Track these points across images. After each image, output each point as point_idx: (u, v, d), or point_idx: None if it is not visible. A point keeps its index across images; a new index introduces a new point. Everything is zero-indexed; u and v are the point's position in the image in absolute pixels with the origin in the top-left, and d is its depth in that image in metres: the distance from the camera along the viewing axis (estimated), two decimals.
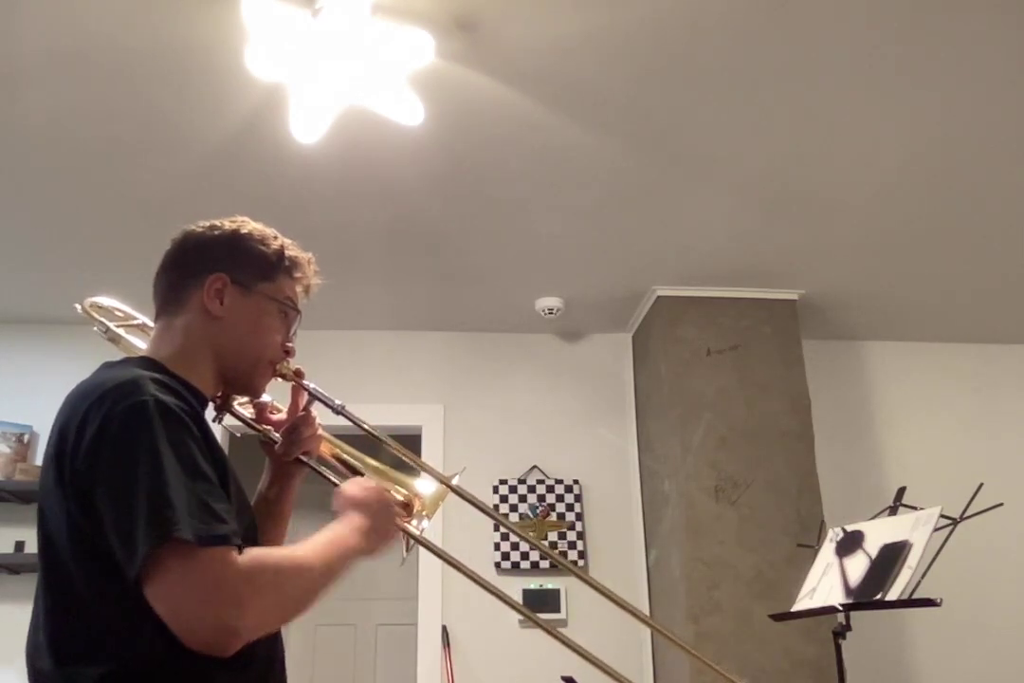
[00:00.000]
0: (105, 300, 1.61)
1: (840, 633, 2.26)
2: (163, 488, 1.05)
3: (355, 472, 1.46)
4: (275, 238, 1.41)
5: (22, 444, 3.80)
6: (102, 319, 1.56)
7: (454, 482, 1.46)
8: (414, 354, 4.22)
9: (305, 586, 1.16)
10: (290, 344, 1.39)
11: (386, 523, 1.31)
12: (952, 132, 2.83)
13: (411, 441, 4.06)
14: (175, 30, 2.32)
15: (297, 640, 4.49)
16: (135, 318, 1.54)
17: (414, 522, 1.39)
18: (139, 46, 2.38)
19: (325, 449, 1.48)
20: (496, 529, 3.86)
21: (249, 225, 1.42)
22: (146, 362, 1.27)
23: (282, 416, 1.45)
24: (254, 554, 1.10)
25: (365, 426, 1.46)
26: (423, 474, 1.46)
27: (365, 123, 2.59)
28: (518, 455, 4.05)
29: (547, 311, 3.99)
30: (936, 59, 2.49)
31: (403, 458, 1.48)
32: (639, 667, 3.76)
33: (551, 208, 3.26)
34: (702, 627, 3.36)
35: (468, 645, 3.70)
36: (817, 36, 2.41)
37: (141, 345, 1.47)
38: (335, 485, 1.38)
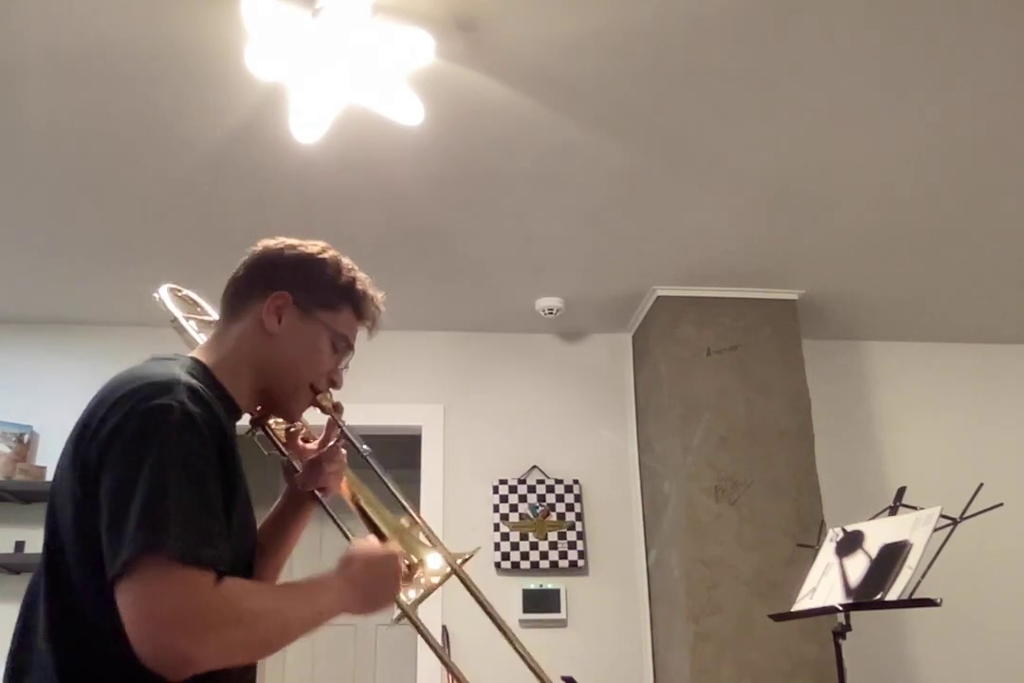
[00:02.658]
0: (186, 291, 1.61)
1: (840, 633, 2.26)
2: (163, 498, 1.04)
3: (369, 522, 1.41)
4: (350, 270, 1.41)
5: (22, 444, 3.79)
6: (174, 308, 1.55)
7: (461, 563, 1.40)
8: (414, 354, 4.21)
9: (276, 629, 1.13)
10: (336, 377, 1.38)
11: (384, 592, 1.27)
12: (952, 132, 2.83)
13: (411, 441, 4.06)
14: (175, 30, 2.32)
15: (297, 640, 4.48)
16: (209, 314, 1.53)
17: (410, 592, 1.35)
18: (139, 46, 2.38)
19: (347, 493, 1.45)
20: (496, 529, 3.86)
21: (329, 252, 1.41)
22: (193, 363, 1.25)
23: (312, 446, 1.44)
24: (233, 586, 1.08)
25: (384, 477, 1.43)
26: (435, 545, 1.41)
27: (365, 123, 2.59)
28: (518, 455, 4.05)
29: (547, 311, 3.99)
30: (937, 59, 2.49)
31: (416, 520, 1.42)
32: (639, 667, 3.76)
33: (551, 208, 3.26)
34: (702, 627, 3.36)
35: (468, 645, 3.70)
36: (817, 36, 2.41)
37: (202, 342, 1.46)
38: (341, 530, 1.36)
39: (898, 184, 3.12)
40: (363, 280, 1.42)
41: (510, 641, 1.38)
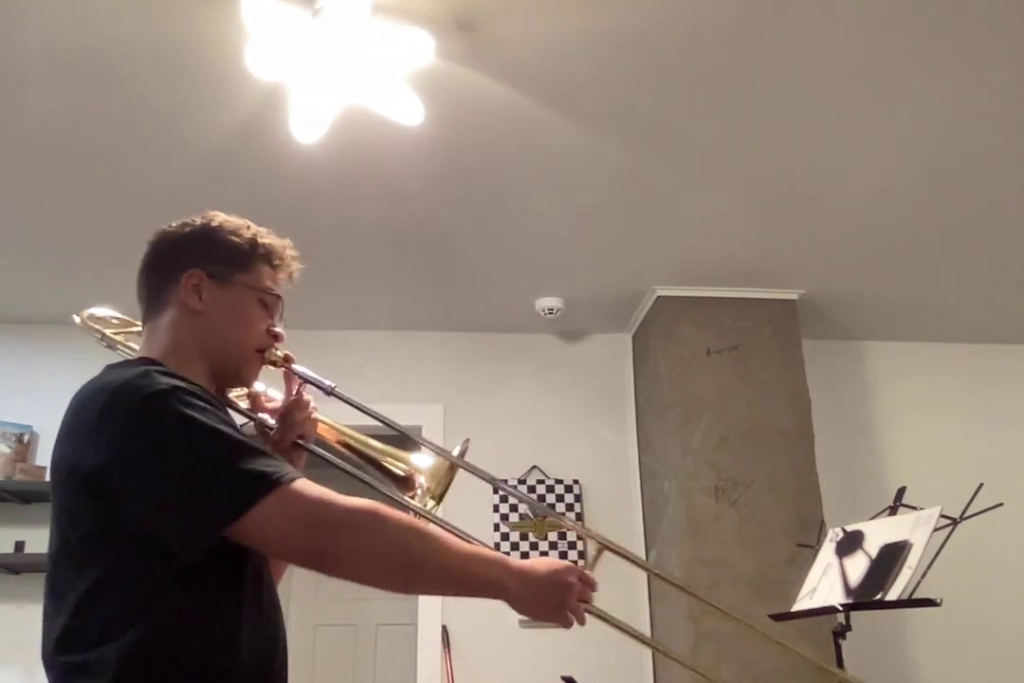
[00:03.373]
0: (101, 310, 1.62)
1: (840, 633, 2.26)
2: (222, 451, 1.12)
3: (358, 454, 1.46)
4: (247, 228, 1.41)
5: (22, 444, 3.79)
6: (99, 327, 1.58)
7: (455, 452, 1.47)
8: (414, 354, 4.21)
9: (417, 547, 1.15)
10: (277, 330, 1.39)
11: (557, 596, 1.24)
12: (952, 132, 2.83)
13: (411, 441, 4.06)
14: (175, 30, 2.32)
15: (297, 640, 4.49)
16: (133, 325, 1.55)
17: (419, 499, 1.41)
18: (139, 46, 2.38)
19: (327, 434, 1.49)
20: (496, 529, 3.86)
21: (220, 218, 1.41)
22: (145, 361, 1.28)
23: (277, 403, 1.46)
24: (374, 504, 1.15)
25: (358, 405, 1.46)
26: (422, 450, 1.48)
27: (365, 123, 2.58)
28: (518, 455, 4.05)
29: (547, 311, 3.99)
30: (938, 59, 2.49)
31: (402, 434, 1.50)
32: (639, 667, 3.76)
33: (551, 208, 3.26)
34: (702, 627, 3.36)
35: (468, 645, 3.70)
36: (817, 36, 2.41)
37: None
38: (338, 467, 1.39)
39: (898, 184, 3.12)
40: (264, 234, 1.42)
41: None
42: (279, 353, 1.41)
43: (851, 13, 2.32)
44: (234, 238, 1.38)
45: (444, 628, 3.70)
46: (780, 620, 2.52)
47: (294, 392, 1.44)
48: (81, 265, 3.58)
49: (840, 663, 2.29)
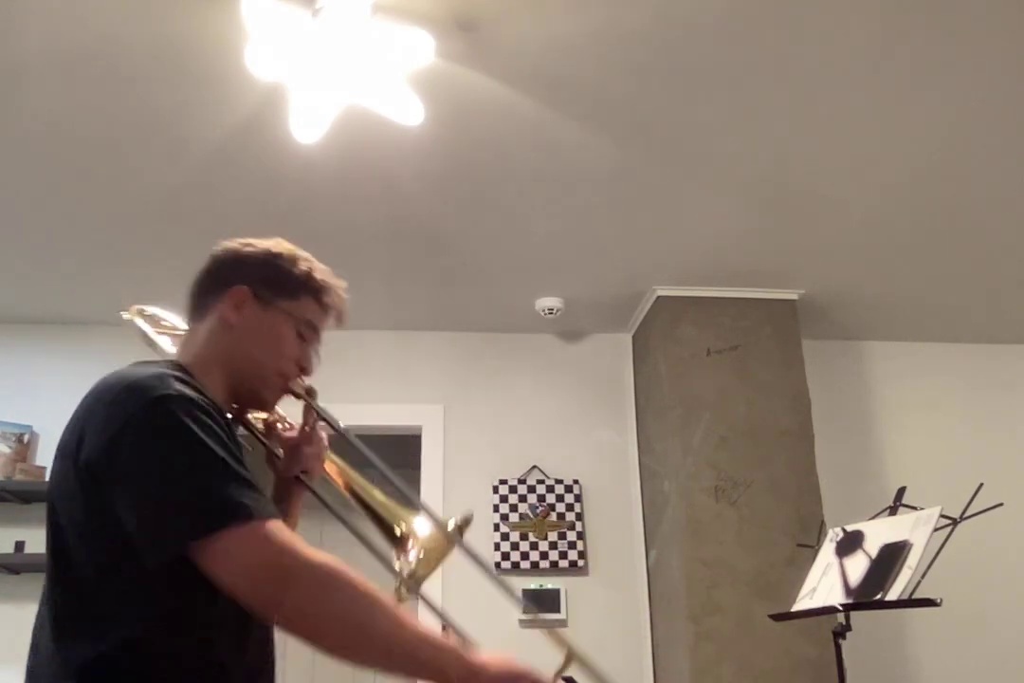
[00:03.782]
0: (152, 308, 1.65)
1: (840, 633, 2.26)
2: (207, 471, 1.10)
3: (361, 501, 1.44)
4: (307, 260, 1.43)
5: (22, 444, 3.79)
6: (143, 325, 1.60)
7: (452, 525, 1.42)
8: (414, 354, 4.21)
9: (362, 615, 1.10)
10: (306, 363, 1.40)
11: None
12: (953, 132, 2.83)
13: (411, 441, 4.06)
14: (175, 30, 2.32)
15: (296, 643, 4.48)
16: (178, 328, 1.57)
17: (403, 557, 1.37)
18: (139, 46, 2.38)
19: (334, 474, 1.48)
20: (496, 529, 3.86)
21: (283, 245, 1.43)
22: (172, 365, 1.29)
23: (292, 434, 1.46)
24: (333, 559, 1.11)
25: (367, 453, 1.43)
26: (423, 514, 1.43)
27: (365, 123, 2.59)
28: (518, 455, 4.05)
29: (547, 311, 3.99)
30: (939, 58, 2.49)
31: (405, 494, 1.44)
32: (639, 667, 3.76)
33: (551, 208, 3.26)
34: (702, 627, 3.36)
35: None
36: (817, 36, 2.41)
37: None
38: (332, 512, 1.37)
39: (898, 184, 3.12)
40: (321, 270, 1.43)
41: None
42: (303, 385, 1.41)
43: (852, 13, 2.32)
44: (290, 266, 1.40)
45: (444, 628, 3.69)
46: (780, 620, 2.53)
47: (308, 426, 1.45)
48: (81, 265, 3.58)
49: (840, 663, 2.28)
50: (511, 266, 3.69)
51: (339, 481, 1.48)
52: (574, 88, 2.60)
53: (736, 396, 3.72)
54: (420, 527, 1.40)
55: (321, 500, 1.41)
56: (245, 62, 2.27)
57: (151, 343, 1.57)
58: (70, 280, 3.70)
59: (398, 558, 1.37)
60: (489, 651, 1.19)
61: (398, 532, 1.39)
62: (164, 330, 1.59)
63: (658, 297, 3.88)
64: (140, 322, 1.60)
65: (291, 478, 1.44)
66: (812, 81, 2.59)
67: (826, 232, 3.44)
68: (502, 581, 1.52)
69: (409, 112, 2.43)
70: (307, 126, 2.45)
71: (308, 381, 1.43)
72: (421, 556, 1.38)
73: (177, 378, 1.18)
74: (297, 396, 1.42)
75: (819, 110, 2.72)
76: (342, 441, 1.46)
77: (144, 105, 2.63)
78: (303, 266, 1.40)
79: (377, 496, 1.44)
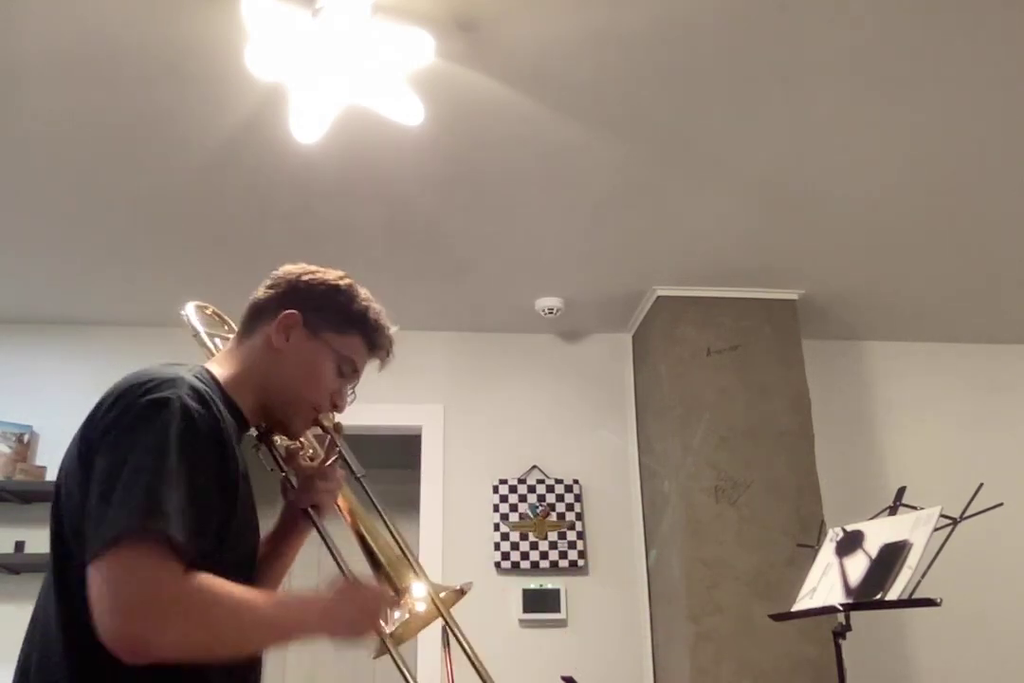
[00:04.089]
0: (211, 307, 1.67)
1: (840, 633, 2.25)
2: (150, 483, 1.07)
3: (366, 548, 1.44)
4: (364, 300, 1.44)
5: (22, 444, 3.79)
6: (198, 324, 1.61)
7: (443, 594, 1.44)
8: (414, 354, 4.21)
9: (237, 630, 1.13)
10: (339, 400, 1.41)
11: (365, 619, 1.27)
12: (952, 132, 2.83)
13: (411, 441, 4.06)
14: (175, 30, 2.32)
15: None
16: (230, 332, 1.57)
17: (391, 615, 1.37)
18: (139, 46, 2.38)
19: (347, 515, 1.48)
20: (496, 529, 3.86)
21: (346, 280, 1.45)
22: (202, 371, 1.30)
23: (311, 465, 1.46)
24: (204, 581, 1.09)
25: (376, 503, 1.46)
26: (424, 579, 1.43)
27: (365, 123, 2.59)
28: (518, 455, 4.05)
29: (547, 311, 3.99)
30: (938, 59, 2.49)
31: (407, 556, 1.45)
32: (639, 667, 3.76)
33: (551, 208, 3.26)
34: (702, 627, 3.36)
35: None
36: (817, 36, 2.41)
37: None
38: (332, 553, 1.37)
39: (898, 184, 3.12)
40: (377, 311, 1.44)
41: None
42: (332, 419, 1.42)
43: (852, 13, 2.32)
44: (347, 301, 1.41)
45: (444, 628, 3.69)
46: (780, 620, 2.52)
47: (328, 462, 1.45)
48: (81, 266, 3.58)
49: (840, 663, 2.28)
50: (511, 266, 3.69)
51: (348, 520, 1.48)
52: (574, 88, 2.60)
53: (736, 396, 3.72)
54: (416, 590, 1.40)
55: (324, 540, 1.38)
56: (245, 62, 2.27)
57: (200, 342, 1.57)
58: (70, 280, 3.70)
59: (387, 612, 1.36)
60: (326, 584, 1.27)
61: (395, 589, 1.38)
62: (219, 334, 1.60)
63: (658, 297, 3.88)
64: (195, 318, 1.61)
65: (300, 511, 1.43)
66: (812, 81, 2.59)
67: (826, 232, 3.44)
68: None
69: (409, 112, 2.43)
70: (307, 126, 2.45)
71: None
72: (407, 617, 1.38)
73: (193, 387, 1.18)
74: (324, 430, 1.43)
75: (819, 110, 2.72)
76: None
77: (144, 105, 2.63)
78: (361, 304, 1.42)
79: (382, 545, 1.44)
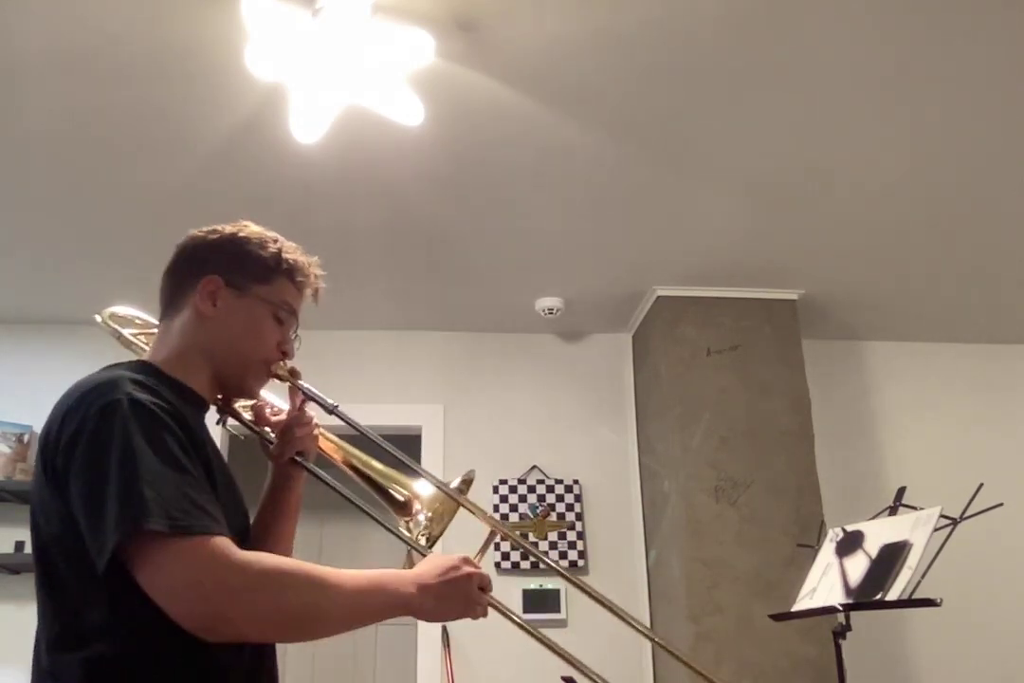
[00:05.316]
0: (123, 309, 1.64)
1: (840, 633, 2.26)
2: (134, 482, 1.06)
3: (359, 473, 1.45)
4: (275, 241, 1.41)
5: (22, 444, 3.79)
6: (116, 326, 1.58)
7: (456, 483, 1.44)
8: (414, 354, 4.21)
9: (314, 600, 1.12)
10: (287, 347, 1.38)
11: (458, 591, 1.24)
12: (952, 133, 2.83)
13: (411, 441, 4.06)
14: (175, 30, 2.32)
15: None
16: (154, 325, 1.55)
17: (412, 521, 1.39)
18: (139, 46, 2.38)
19: (330, 451, 1.48)
20: None
21: (249, 229, 1.42)
22: (138, 365, 1.29)
23: (281, 417, 1.45)
24: (257, 553, 1.11)
25: (359, 427, 1.45)
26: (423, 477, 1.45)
27: (365, 123, 2.59)
28: (518, 455, 4.05)
29: (547, 311, 3.99)
30: (938, 60, 2.49)
31: (401, 460, 1.47)
32: (639, 667, 3.76)
33: (551, 208, 3.26)
34: (702, 627, 3.36)
35: (468, 645, 3.70)
36: (817, 37, 2.41)
37: None
38: (333, 489, 1.37)
39: (899, 184, 3.12)
40: (291, 249, 1.41)
41: None
42: (286, 367, 1.40)
43: (851, 13, 2.32)
44: (259, 250, 1.38)
45: (444, 628, 3.70)
46: (780, 620, 2.53)
47: (296, 407, 1.43)
48: (81, 265, 3.58)
49: (840, 663, 2.28)
50: (511, 266, 3.69)
51: (336, 457, 1.48)
52: (574, 88, 2.60)
53: (736, 396, 3.72)
54: (423, 489, 1.41)
55: (320, 478, 1.39)
56: (245, 62, 2.27)
57: (127, 344, 1.55)
58: (70, 280, 3.70)
59: (407, 524, 1.39)
60: (428, 558, 1.26)
61: (401, 498, 1.40)
62: (140, 329, 1.57)
63: (658, 297, 3.88)
64: (113, 325, 1.58)
65: (288, 462, 1.42)
66: (812, 81, 2.59)
67: (826, 232, 3.44)
68: (512, 534, 1.54)
69: (409, 112, 2.43)
70: (307, 126, 2.45)
71: (291, 363, 1.42)
72: (430, 515, 1.39)
73: (134, 381, 1.17)
74: (282, 379, 1.41)
75: (819, 110, 2.72)
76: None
77: (144, 105, 2.63)
78: (272, 248, 1.39)
79: (376, 466, 1.45)
